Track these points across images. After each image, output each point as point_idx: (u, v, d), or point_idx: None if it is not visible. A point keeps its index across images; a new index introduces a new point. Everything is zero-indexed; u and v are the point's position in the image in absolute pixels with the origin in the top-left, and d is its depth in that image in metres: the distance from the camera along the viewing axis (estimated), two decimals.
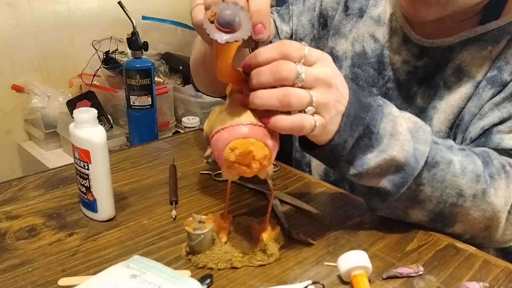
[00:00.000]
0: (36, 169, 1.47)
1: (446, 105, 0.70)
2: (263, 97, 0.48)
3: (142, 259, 0.50)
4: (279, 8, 0.89)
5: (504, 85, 0.65)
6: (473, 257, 0.56)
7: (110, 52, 1.56)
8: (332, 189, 0.73)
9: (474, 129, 0.66)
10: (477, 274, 0.53)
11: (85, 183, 0.61)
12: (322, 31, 0.84)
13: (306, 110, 0.48)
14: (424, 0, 0.63)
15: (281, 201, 0.67)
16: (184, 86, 1.72)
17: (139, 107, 1.41)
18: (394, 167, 0.55)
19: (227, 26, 0.44)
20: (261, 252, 0.54)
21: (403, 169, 0.55)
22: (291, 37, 0.86)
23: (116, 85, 1.55)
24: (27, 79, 1.57)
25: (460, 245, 0.59)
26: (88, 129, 0.59)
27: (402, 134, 0.54)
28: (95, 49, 1.56)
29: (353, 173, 0.55)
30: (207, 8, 0.47)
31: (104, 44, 1.59)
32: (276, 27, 0.85)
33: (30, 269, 0.53)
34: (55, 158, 1.49)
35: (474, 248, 0.58)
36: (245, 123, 0.48)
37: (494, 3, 0.66)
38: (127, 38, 1.37)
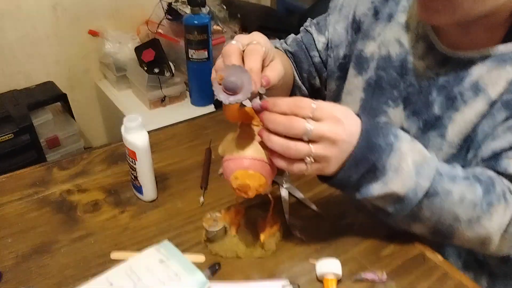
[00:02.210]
0: (109, 107, 1.70)
1: (461, 118, 0.72)
2: (272, 143, 0.58)
3: (169, 245, 0.67)
4: (320, 18, 0.95)
5: None
6: (435, 268, 0.67)
7: (172, 2, 1.66)
8: None
9: (486, 150, 0.69)
10: (432, 285, 0.65)
11: (134, 173, 0.78)
12: (355, 36, 0.89)
13: (305, 160, 0.58)
14: (433, 6, 0.66)
15: (291, 194, 0.81)
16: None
17: (196, 60, 1.54)
18: (396, 198, 0.63)
19: (231, 91, 0.56)
20: (260, 247, 0.69)
21: (403, 200, 0.63)
22: (327, 46, 0.93)
23: (178, 34, 1.67)
24: (101, 25, 1.74)
25: (430, 254, 0.70)
26: (134, 134, 0.74)
27: (405, 171, 0.61)
28: None
29: (359, 198, 0.64)
30: (217, 70, 0.58)
31: None
32: (314, 40, 0.93)
33: (92, 241, 0.72)
34: (125, 99, 1.69)
35: (442, 259, 0.69)
36: (247, 157, 0.61)
37: None
38: None
